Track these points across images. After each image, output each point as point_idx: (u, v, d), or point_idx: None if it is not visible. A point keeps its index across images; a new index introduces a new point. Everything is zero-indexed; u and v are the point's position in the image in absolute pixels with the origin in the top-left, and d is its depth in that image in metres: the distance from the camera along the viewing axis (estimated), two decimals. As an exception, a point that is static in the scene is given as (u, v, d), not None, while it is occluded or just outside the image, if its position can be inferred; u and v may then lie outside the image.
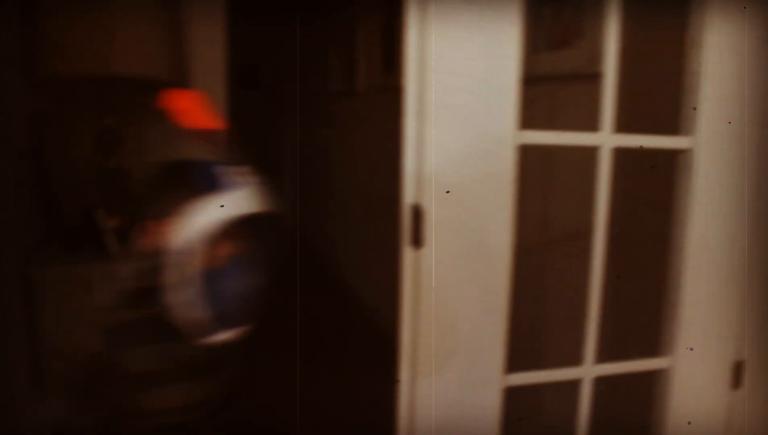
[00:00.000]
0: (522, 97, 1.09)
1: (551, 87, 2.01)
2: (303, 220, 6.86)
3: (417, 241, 1.07)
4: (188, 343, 1.30)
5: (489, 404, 1.18)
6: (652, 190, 1.46)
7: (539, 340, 1.69)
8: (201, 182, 1.24)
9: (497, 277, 1.12)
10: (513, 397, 1.21)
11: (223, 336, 1.30)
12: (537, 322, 1.71)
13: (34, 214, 2.31)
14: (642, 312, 1.46)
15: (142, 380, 1.39)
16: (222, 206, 1.20)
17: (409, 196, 1.07)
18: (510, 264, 1.13)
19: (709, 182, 1.22)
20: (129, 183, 2.60)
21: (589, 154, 1.17)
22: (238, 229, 1.24)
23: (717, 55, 1.16)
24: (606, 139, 1.13)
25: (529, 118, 1.10)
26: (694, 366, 1.33)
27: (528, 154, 1.12)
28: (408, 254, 1.08)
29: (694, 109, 1.17)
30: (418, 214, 1.06)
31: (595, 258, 1.20)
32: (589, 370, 1.25)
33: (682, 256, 1.27)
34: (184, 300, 1.26)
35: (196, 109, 1.23)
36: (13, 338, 2.07)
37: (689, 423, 1.33)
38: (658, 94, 1.44)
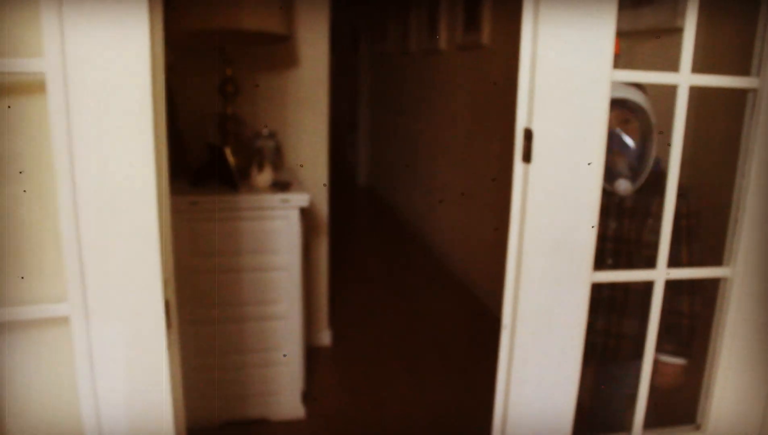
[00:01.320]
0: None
1: (632, 41, 2.22)
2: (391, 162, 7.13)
3: (527, 157, 1.35)
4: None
5: (579, 296, 1.46)
6: (722, 127, 1.68)
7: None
8: None
9: (588, 187, 1.38)
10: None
11: (623, 187, 1.72)
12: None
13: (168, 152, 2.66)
14: (710, 227, 1.71)
15: None
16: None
17: (521, 121, 1.35)
18: (599, 180, 1.40)
19: (772, 117, 1.45)
20: (242, 127, 2.93)
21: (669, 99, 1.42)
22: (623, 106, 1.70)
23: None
24: (683, 78, 1.37)
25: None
26: (753, 277, 1.57)
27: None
28: (519, 167, 1.37)
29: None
30: (529, 135, 1.34)
31: (671, 181, 1.46)
32: (661, 273, 1.51)
33: (746, 183, 1.52)
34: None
35: None
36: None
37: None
38: (730, 42, 1.66)
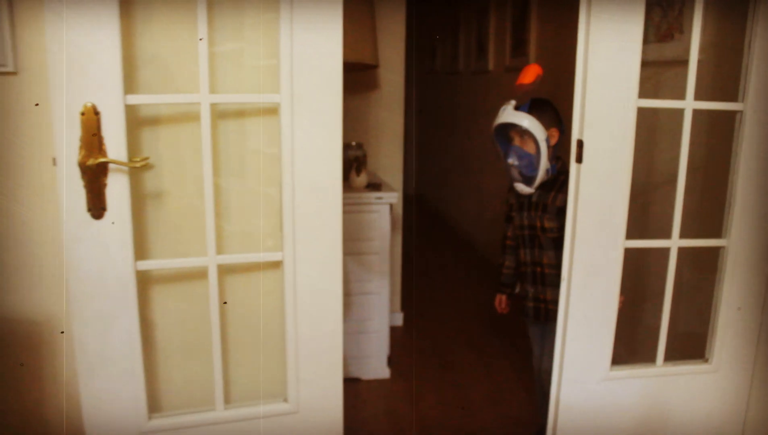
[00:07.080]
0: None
1: (657, 70, 2.81)
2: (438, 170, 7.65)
3: (579, 159, 1.97)
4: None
5: (616, 257, 2.07)
6: (719, 140, 2.28)
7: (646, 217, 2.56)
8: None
9: (624, 181, 2.00)
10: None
11: (520, 186, 2.34)
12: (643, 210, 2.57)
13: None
14: (709, 210, 2.30)
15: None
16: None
17: (576, 133, 1.98)
18: (629, 176, 2.01)
19: (754, 131, 2.05)
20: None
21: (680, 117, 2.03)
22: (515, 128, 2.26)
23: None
24: (687, 104, 1.98)
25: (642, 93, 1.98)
26: (742, 247, 2.17)
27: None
28: (573, 167, 1.99)
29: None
30: (581, 144, 1.96)
31: (680, 177, 2.07)
32: (675, 242, 2.11)
33: (735, 178, 2.12)
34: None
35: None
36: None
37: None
38: (727, 72, 2.25)
